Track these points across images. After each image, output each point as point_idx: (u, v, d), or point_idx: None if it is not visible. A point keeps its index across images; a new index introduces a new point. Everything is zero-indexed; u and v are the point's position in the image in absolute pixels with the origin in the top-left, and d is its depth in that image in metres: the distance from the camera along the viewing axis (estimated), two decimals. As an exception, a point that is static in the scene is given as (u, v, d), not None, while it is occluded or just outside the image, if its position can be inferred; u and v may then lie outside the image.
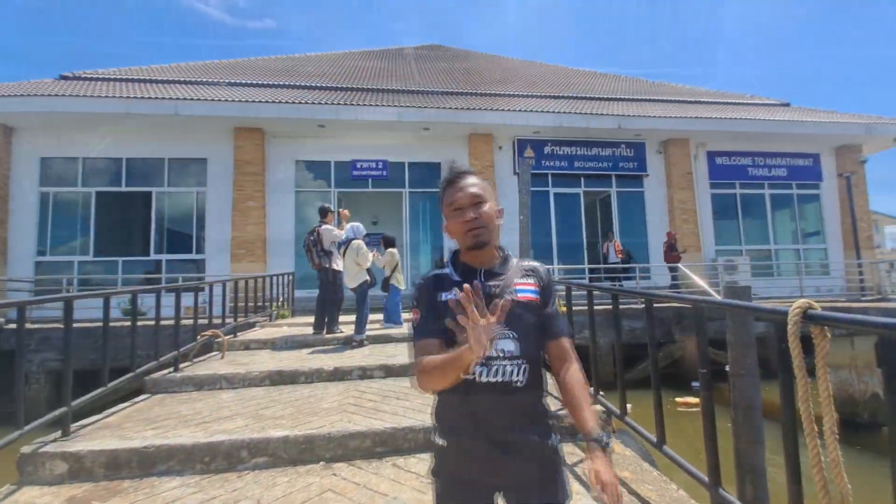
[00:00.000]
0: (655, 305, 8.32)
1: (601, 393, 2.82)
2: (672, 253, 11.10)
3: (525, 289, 1.17)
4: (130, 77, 12.18)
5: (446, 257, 1.26)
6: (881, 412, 6.17)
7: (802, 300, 1.26)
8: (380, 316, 7.15)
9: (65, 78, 11.70)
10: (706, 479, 1.80)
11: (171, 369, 3.83)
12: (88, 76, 11.96)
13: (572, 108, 12.51)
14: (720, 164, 13.13)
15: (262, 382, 3.70)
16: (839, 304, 8.91)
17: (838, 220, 13.44)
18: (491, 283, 1.14)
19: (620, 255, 11.59)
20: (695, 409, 6.50)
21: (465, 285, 0.94)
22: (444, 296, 1.13)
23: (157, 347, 3.62)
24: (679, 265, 10.56)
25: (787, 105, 16.25)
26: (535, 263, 1.25)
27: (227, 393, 3.47)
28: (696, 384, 8.22)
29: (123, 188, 10.85)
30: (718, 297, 1.78)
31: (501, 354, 1.10)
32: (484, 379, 1.08)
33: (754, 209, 13.49)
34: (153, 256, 10.78)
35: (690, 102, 15.00)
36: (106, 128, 10.41)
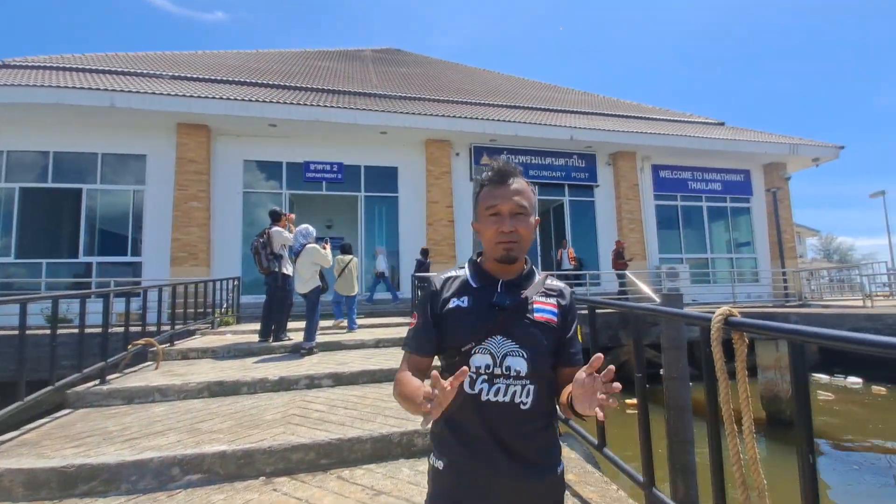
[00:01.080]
0: (603, 311, 8.61)
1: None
2: (619, 261, 11.61)
3: (544, 309, 1.09)
4: (63, 65, 11.29)
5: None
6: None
7: (725, 307, 1.34)
8: (330, 322, 7.01)
9: (-14, 63, 10.67)
10: (641, 479, 1.88)
11: (98, 381, 3.54)
12: (17, 64, 10.98)
13: (528, 117, 12.85)
14: (664, 178, 13.92)
15: (200, 394, 3.49)
16: (766, 310, 9.62)
17: (766, 231, 14.59)
18: (510, 296, 1.07)
19: (574, 262, 11.97)
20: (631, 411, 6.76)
21: (464, 368, 0.84)
22: (454, 302, 1.07)
23: (80, 358, 3.32)
24: (626, 272, 11.05)
25: (723, 124, 17.51)
26: (561, 285, 1.16)
27: (161, 406, 3.24)
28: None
29: (50, 184, 10.01)
30: (651, 304, 1.87)
31: (508, 373, 1.03)
32: (486, 398, 1.02)
33: (693, 220, 14.39)
34: (82, 259, 9.99)
35: (637, 118, 15.82)
36: (31, 119, 9.57)
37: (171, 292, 5.62)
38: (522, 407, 1.02)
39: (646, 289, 10.37)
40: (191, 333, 6.13)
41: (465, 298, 1.07)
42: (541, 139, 12.23)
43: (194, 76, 12.29)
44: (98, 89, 9.41)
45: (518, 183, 1.09)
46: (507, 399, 1.01)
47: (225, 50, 17.07)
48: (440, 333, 1.07)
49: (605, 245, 13.10)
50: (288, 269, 5.73)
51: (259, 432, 2.60)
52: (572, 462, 2.57)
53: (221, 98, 10.07)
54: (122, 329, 4.34)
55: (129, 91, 9.62)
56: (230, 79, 12.52)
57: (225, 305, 7.85)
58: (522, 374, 1.02)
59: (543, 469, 1.04)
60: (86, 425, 2.79)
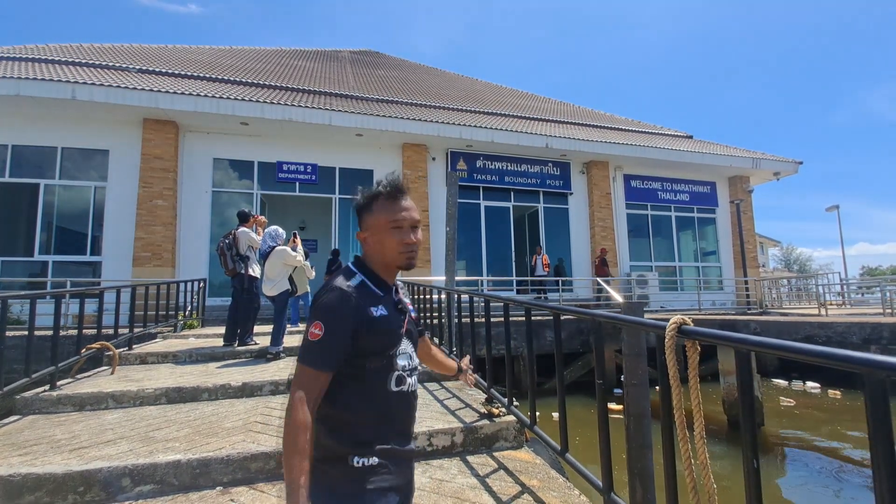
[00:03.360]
0: (574, 318, 8.62)
1: (515, 403, 2.90)
2: (603, 268, 11.85)
3: (411, 308, 1.27)
4: (24, 56, 10.77)
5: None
6: (757, 414, 6.96)
7: (678, 316, 1.37)
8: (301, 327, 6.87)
9: (-66, 48, 10.06)
10: (601, 484, 1.90)
11: (48, 387, 3.36)
12: (-34, 49, 10.38)
13: (505, 124, 12.99)
14: (635, 187, 14.29)
15: (158, 401, 3.34)
16: (728, 317, 9.96)
17: (730, 241, 15.16)
18: (401, 299, 1.23)
19: (547, 269, 12.13)
20: (618, 416, 6.86)
21: None
22: (376, 311, 1.12)
23: (27, 362, 3.14)
24: (598, 279, 11.28)
25: (691, 137, 18.13)
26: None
27: (114, 414, 3.10)
28: (618, 391, 8.74)
29: (6, 178, 9.50)
30: (611, 312, 1.91)
31: (414, 365, 1.20)
32: (410, 390, 1.18)
33: (663, 229, 14.82)
34: (38, 257, 9.51)
35: (610, 128, 16.21)
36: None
37: (132, 294, 5.39)
38: (415, 394, 1.21)
39: (617, 296, 10.61)
40: (152, 337, 5.90)
41: (381, 307, 1.14)
42: (517, 146, 12.37)
43: (163, 70, 11.92)
44: (59, 81, 9.01)
45: (410, 199, 1.21)
46: (415, 388, 1.20)
47: (197, 45, 16.63)
48: (358, 345, 1.09)
49: (579, 252, 13.35)
50: (255, 271, 5.59)
51: (218, 440, 2.52)
52: (537, 468, 2.59)
53: (191, 94, 9.79)
54: (76, 332, 4.15)
55: (92, 84, 9.24)
56: (201, 75, 12.19)
57: (189, 308, 7.60)
58: (417, 364, 1.23)
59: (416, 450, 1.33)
60: (33, 433, 2.63)
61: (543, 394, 7.44)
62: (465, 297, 3.84)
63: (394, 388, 1.13)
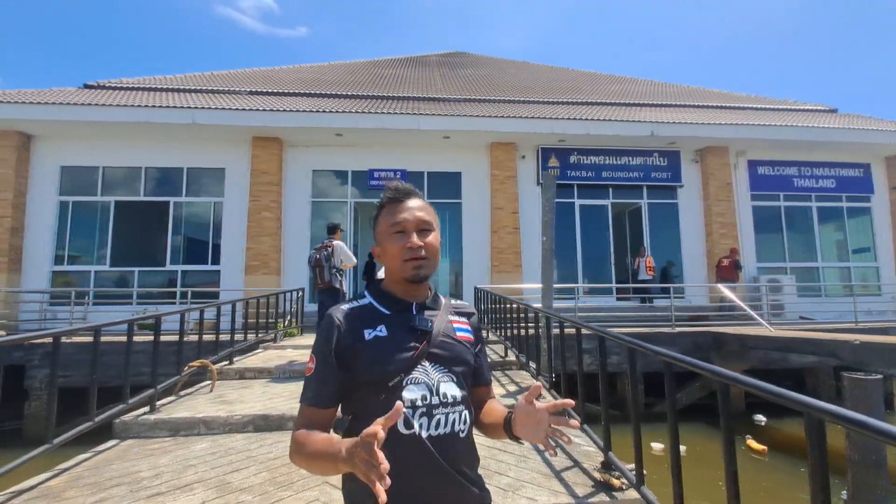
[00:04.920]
0: (693, 331, 7.52)
1: (644, 475, 2.27)
2: (736, 271, 10.32)
3: (462, 328, 1.07)
4: (152, 86, 12.24)
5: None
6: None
7: None
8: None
9: (88, 87, 11.84)
10: None
11: (147, 409, 3.47)
12: (112, 85, 12.08)
13: (601, 114, 11.89)
14: (762, 175, 12.23)
15: (245, 428, 3.28)
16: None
17: (891, 235, 12.32)
18: (427, 317, 1.01)
19: (651, 273, 10.84)
20: (758, 457, 5.72)
21: (398, 404, 0.75)
22: (369, 333, 0.96)
23: (126, 386, 3.24)
24: (718, 285, 9.74)
25: (835, 111, 15.16)
26: (465, 303, 1.15)
27: (203, 442, 3.06)
28: (759, 417, 7.39)
29: (142, 197, 10.83)
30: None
31: (445, 401, 0.96)
32: (428, 433, 0.92)
33: (800, 223, 12.50)
34: (169, 267, 10.69)
35: (728, 108, 14.13)
36: (126, 137, 10.42)
37: (232, 308, 5.61)
38: (461, 435, 0.97)
39: (742, 304, 9.02)
40: (253, 348, 6.15)
41: (381, 327, 0.97)
42: (615, 137, 11.22)
43: (270, 90, 12.81)
44: (181, 107, 10.02)
45: (418, 199, 1.06)
46: (448, 430, 0.95)
47: (300, 64, 17.77)
48: (350, 375, 0.94)
49: (691, 252, 11.76)
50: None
51: (291, 496, 2.27)
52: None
53: (291, 110, 10.33)
54: (196, 338, 4.35)
55: (209, 108, 10.16)
56: (303, 91, 12.88)
57: (289, 317, 7.92)
58: (458, 399, 0.98)
59: (478, 495, 0.97)
60: (121, 465, 2.64)
61: (651, 419, 6.46)
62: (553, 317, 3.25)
63: (403, 431, 0.90)
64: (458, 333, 1.04)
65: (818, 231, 12.41)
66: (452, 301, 1.11)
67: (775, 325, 8.45)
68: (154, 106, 9.90)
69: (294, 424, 0.96)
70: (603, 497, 2.17)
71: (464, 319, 1.09)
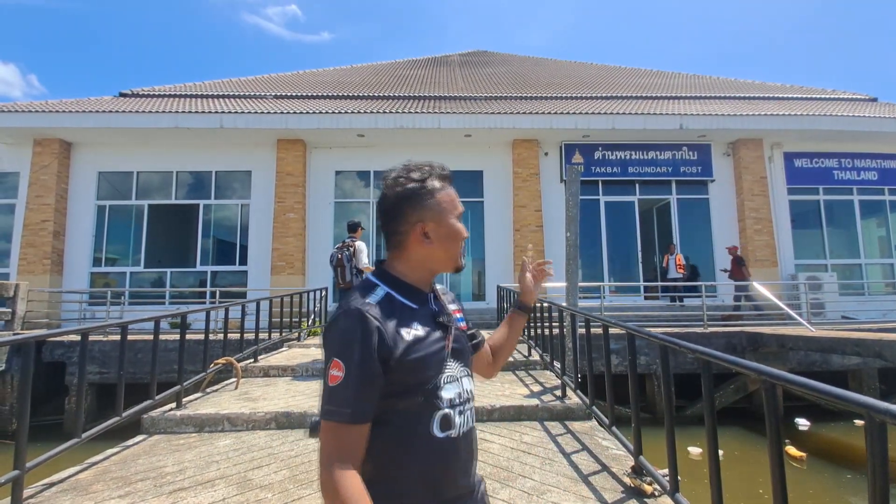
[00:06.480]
0: (726, 331, 7.23)
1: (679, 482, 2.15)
2: (740, 268, 9.90)
3: (460, 317, 1.02)
4: (183, 93, 12.63)
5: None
6: None
7: None
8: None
9: (123, 95, 12.31)
10: None
11: (174, 405, 3.54)
12: (145, 93, 12.52)
13: (627, 108, 11.59)
14: (800, 167, 11.66)
15: (268, 425, 3.31)
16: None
17: (943, 229, 11.55)
18: (438, 308, 0.95)
19: (682, 271, 10.47)
20: (796, 465, 5.42)
21: None
22: (410, 331, 0.85)
23: (153, 384, 3.31)
24: (753, 282, 9.33)
25: (875, 100, 14.34)
26: (442, 286, 1.06)
27: (227, 438, 3.11)
28: (801, 421, 7.01)
29: (174, 201, 11.18)
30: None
31: (468, 396, 0.93)
32: (460, 432, 0.88)
33: (840, 218, 11.87)
34: (199, 268, 11.00)
35: (762, 98, 13.56)
36: (158, 142, 10.78)
37: (256, 307, 5.70)
38: (475, 429, 0.95)
39: (779, 303, 8.60)
40: (278, 346, 6.24)
41: (415, 324, 0.88)
42: (643, 131, 10.91)
43: (294, 94, 13.03)
44: (209, 112, 10.29)
45: None
46: (470, 426, 0.92)
47: (324, 68, 18.03)
48: (389, 379, 0.82)
49: (723, 250, 11.31)
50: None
51: (310, 494, 2.26)
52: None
53: (314, 112, 10.47)
54: (221, 337, 4.43)
55: (235, 112, 10.41)
56: (326, 93, 13.05)
57: (313, 316, 8.01)
58: (473, 392, 0.96)
59: (479, 487, 0.96)
60: (147, 460, 2.70)
61: (682, 422, 6.20)
62: (586, 314, 3.14)
63: (438, 434, 0.85)
64: (460, 323, 1.01)
65: (860, 226, 11.74)
66: (437, 286, 1.02)
67: (816, 325, 8.03)
68: (184, 112, 10.20)
69: (325, 450, 0.77)
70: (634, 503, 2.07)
71: (458, 307, 1.04)
